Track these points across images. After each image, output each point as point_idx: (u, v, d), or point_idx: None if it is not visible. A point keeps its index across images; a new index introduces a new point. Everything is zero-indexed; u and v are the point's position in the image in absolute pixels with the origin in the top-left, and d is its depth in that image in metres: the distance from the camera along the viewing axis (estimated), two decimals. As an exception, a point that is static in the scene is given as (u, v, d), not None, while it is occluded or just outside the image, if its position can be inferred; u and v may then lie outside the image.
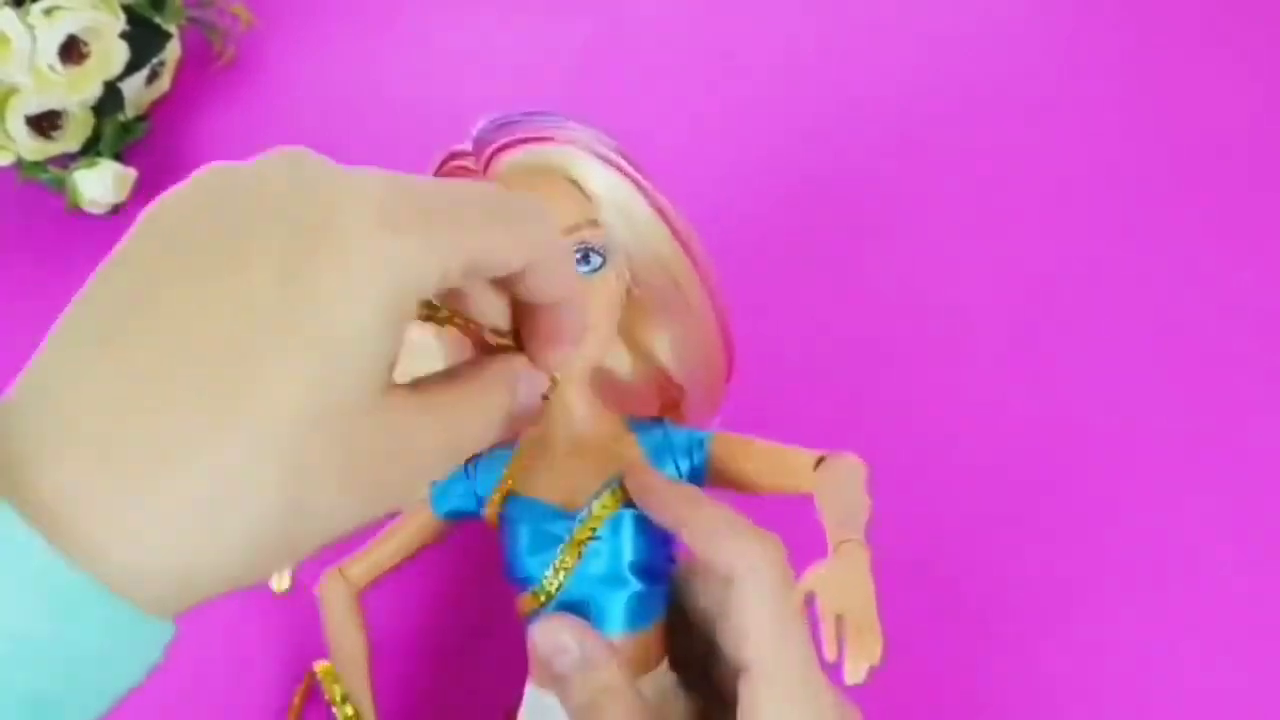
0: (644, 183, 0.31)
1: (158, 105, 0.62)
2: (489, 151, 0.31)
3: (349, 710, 0.35)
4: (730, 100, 0.60)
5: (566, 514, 0.31)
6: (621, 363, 0.35)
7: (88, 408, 0.19)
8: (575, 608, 0.30)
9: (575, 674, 0.28)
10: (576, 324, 0.25)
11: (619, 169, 0.31)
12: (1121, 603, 0.42)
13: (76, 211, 0.57)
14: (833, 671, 0.25)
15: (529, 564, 0.31)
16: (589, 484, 0.31)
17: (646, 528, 0.30)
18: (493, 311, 0.25)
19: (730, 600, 0.27)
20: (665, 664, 0.31)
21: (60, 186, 0.58)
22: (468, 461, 0.34)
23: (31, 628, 0.18)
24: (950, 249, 0.53)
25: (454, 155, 0.32)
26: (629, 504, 0.31)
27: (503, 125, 0.31)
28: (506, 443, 0.34)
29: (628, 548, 0.31)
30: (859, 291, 0.52)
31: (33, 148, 0.56)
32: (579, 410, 0.32)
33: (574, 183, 0.31)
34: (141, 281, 0.20)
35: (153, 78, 0.61)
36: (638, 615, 0.30)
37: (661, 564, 0.31)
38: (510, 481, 0.32)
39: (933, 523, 0.44)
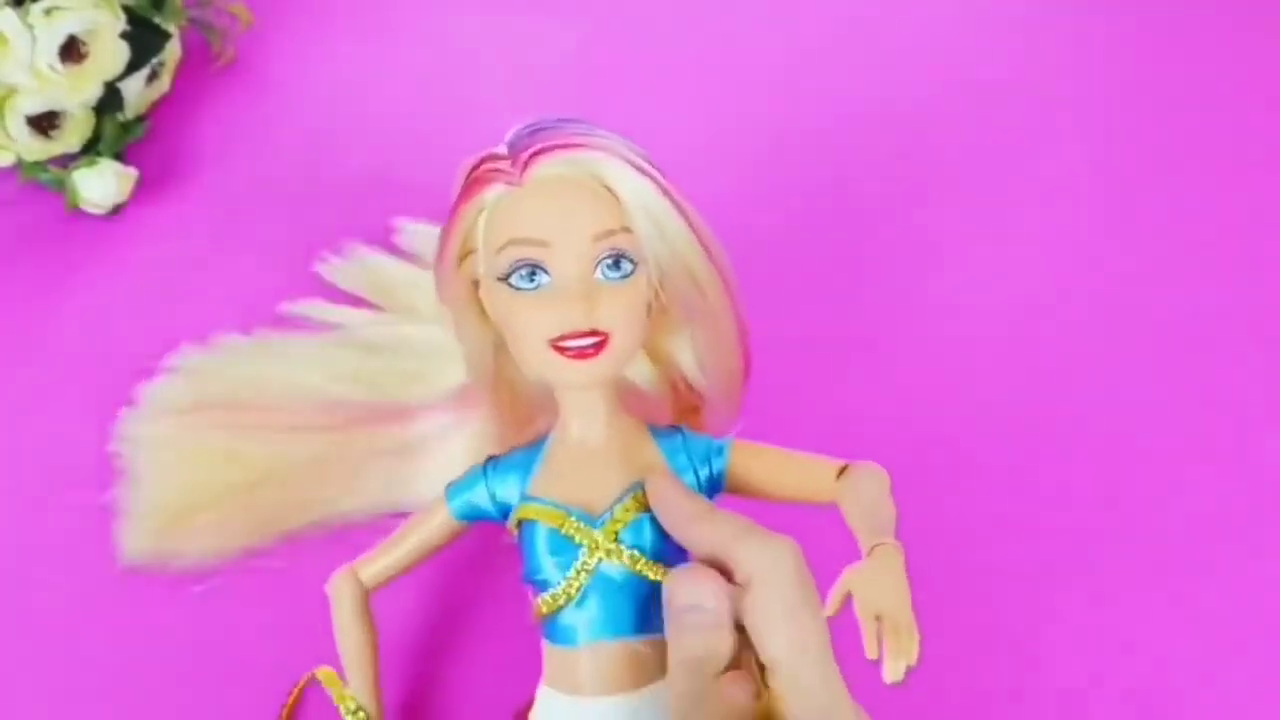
0: (673, 191, 0.31)
1: (158, 105, 0.62)
2: (525, 156, 0.31)
3: (360, 716, 0.35)
4: (731, 101, 0.60)
5: (588, 518, 0.31)
6: (640, 369, 0.35)
7: None
8: (592, 612, 0.31)
9: (703, 632, 0.28)
10: None
11: (650, 177, 0.31)
12: (1120, 603, 0.43)
13: (76, 211, 0.57)
14: (867, 671, 0.26)
15: (548, 567, 0.31)
16: (611, 489, 0.31)
17: (666, 533, 0.31)
18: None
19: (746, 604, 0.27)
20: None
21: (60, 186, 0.57)
22: (486, 461, 0.34)
23: None
24: (950, 250, 0.53)
25: (489, 159, 0.32)
26: (649, 509, 0.31)
27: (537, 131, 0.32)
28: (526, 445, 0.34)
29: (648, 552, 0.31)
30: (859, 292, 0.52)
31: (33, 148, 0.56)
32: (603, 416, 0.32)
33: (607, 189, 0.31)
34: None
35: (153, 78, 0.61)
36: (656, 619, 0.31)
37: (681, 569, 0.31)
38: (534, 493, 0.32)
39: (932, 523, 0.44)
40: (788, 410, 0.43)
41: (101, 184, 0.56)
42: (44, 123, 0.56)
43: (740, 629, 0.28)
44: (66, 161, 0.58)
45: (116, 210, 0.58)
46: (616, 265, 0.31)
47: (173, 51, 0.62)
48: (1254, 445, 0.46)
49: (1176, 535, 0.44)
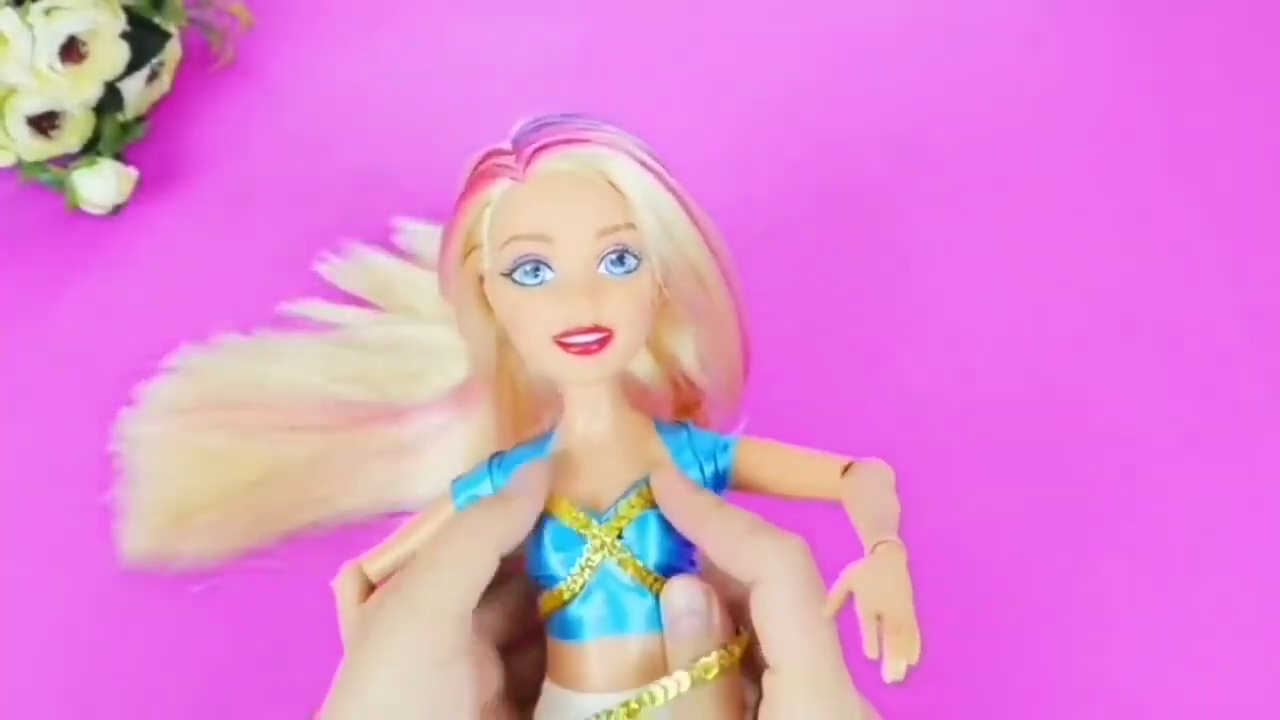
0: (678, 187, 0.31)
1: (158, 105, 0.62)
2: (529, 151, 0.31)
3: None
4: (732, 102, 0.60)
5: (593, 513, 0.31)
6: (642, 365, 0.35)
7: None
8: (597, 608, 0.31)
9: (698, 637, 0.29)
10: None
11: (655, 172, 0.31)
12: (1121, 603, 0.43)
13: (76, 211, 0.57)
14: (867, 670, 0.26)
15: (553, 562, 0.31)
16: (616, 485, 0.31)
17: (671, 529, 0.31)
18: None
19: (753, 602, 0.27)
20: None
21: (60, 186, 0.57)
22: (492, 457, 0.34)
23: None
24: (951, 250, 0.53)
25: (493, 154, 0.32)
26: (655, 505, 0.31)
27: (542, 126, 0.31)
28: (531, 441, 0.34)
29: (652, 549, 0.31)
30: (860, 292, 0.52)
31: (33, 148, 0.56)
32: (607, 411, 0.32)
33: (612, 184, 0.31)
34: None
35: (153, 78, 0.60)
36: (661, 616, 0.31)
37: (685, 566, 0.31)
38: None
39: (932, 523, 0.44)
40: (788, 409, 0.43)
41: (101, 184, 0.56)
42: (44, 123, 0.56)
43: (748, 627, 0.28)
44: (66, 161, 0.58)
45: (116, 210, 0.58)
46: (620, 261, 0.31)
47: (173, 51, 0.62)
48: (1255, 445, 0.46)
49: (1178, 535, 0.44)
